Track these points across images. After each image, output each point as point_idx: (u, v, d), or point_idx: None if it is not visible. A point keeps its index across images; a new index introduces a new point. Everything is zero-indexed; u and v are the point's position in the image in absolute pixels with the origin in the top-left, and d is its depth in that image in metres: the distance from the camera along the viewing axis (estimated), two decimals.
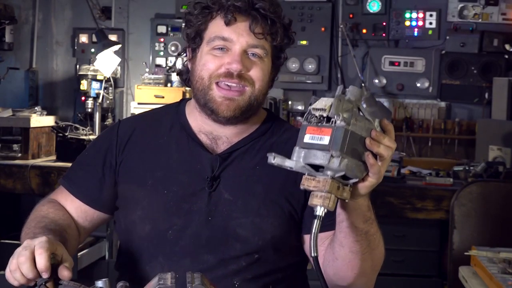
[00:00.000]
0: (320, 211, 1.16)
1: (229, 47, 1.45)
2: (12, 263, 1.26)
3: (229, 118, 1.47)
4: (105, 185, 1.55)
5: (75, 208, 1.56)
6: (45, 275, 1.21)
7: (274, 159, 1.18)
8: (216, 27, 1.46)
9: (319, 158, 1.14)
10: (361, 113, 1.18)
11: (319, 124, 1.15)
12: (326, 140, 1.13)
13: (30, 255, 1.23)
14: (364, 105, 1.19)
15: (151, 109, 1.67)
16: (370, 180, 1.19)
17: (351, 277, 1.38)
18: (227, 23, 1.44)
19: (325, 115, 1.15)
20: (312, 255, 1.15)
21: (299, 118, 4.23)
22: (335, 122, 1.13)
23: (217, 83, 1.46)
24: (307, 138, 1.15)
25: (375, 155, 1.17)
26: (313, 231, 1.16)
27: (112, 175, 1.55)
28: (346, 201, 1.20)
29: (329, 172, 1.14)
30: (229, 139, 1.52)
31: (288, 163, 1.17)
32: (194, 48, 1.51)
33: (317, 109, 1.16)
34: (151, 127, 1.58)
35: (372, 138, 1.16)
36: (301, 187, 1.17)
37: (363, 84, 3.99)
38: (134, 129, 1.58)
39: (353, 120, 1.14)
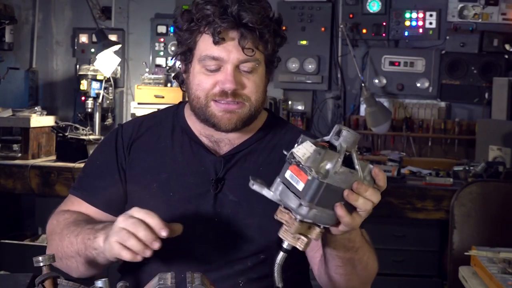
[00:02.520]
0: (286, 245, 1.20)
1: (220, 65, 1.44)
2: (121, 233, 1.24)
3: (231, 130, 1.48)
4: (121, 190, 1.55)
5: (91, 214, 1.55)
6: (164, 233, 1.22)
7: (253, 186, 1.20)
8: (205, 45, 1.44)
9: (291, 201, 1.15)
10: (354, 160, 1.15)
11: (300, 166, 1.14)
12: (300, 186, 1.13)
13: (140, 221, 1.24)
14: (355, 154, 1.15)
15: (150, 113, 1.67)
16: (342, 227, 1.19)
17: None
18: (215, 43, 1.42)
19: (302, 164, 1.13)
20: (276, 286, 1.21)
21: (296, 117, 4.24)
22: (311, 173, 1.12)
23: (214, 100, 1.46)
24: (287, 175, 1.16)
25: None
26: (277, 262, 1.21)
27: (124, 179, 1.55)
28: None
29: (298, 216, 1.16)
30: (231, 141, 1.53)
31: (266, 192, 1.19)
32: (186, 63, 1.51)
33: (297, 155, 1.14)
34: (152, 131, 1.58)
35: (352, 190, 1.14)
36: (275, 217, 1.20)
37: (363, 84, 3.98)
38: (137, 133, 1.58)
39: (333, 172, 1.12)
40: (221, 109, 1.45)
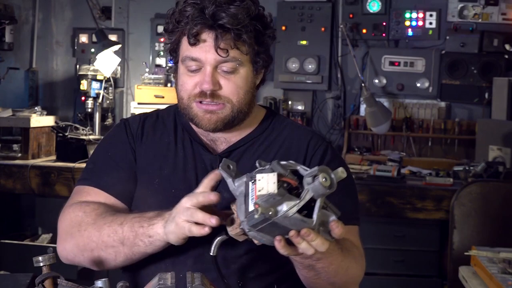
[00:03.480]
0: (229, 231, 1.26)
1: (201, 66, 1.45)
2: (189, 211, 1.28)
3: (213, 130, 1.50)
4: (135, 182, 1.55)
5: (111, 204, 1.52)
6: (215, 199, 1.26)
7: (220, 170, 1.24)
8: (186, 46, 1.47)
9: (241, 211, 1.16)
10: (315, 209, 1.12)
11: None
12: (251, 207, 1.13)
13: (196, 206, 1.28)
14: (322, 202, 1.12)
15: (152, 111, 1.68)
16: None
17: None
18: (191, 44, 1.44)
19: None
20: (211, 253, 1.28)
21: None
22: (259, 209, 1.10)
23: (196, 101, 1.48)
24: (250, 187, 1.16)
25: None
26: (217, 238, 1.28)
27: (135, 171, 1.56)
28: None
29: (241, 226, 1.18)
30: (227, 139, 1.55)
31: (229, 182, 1.21)
32: (175, 62, 1.53)
33: (256, 185, 1.13)
34: (156, 127, 1.60)
35: (299, 234, 1.15)
36: (231, 205, 1.25)
37: (363, 84, 3.98)
38: (142, 128, 1.60)
39: (283, 216, 1.10)
40: (202, 110, 1.47)
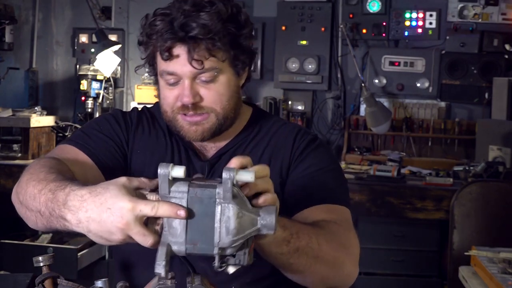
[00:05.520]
0: None
1: (179, 79, 1.42)
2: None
3: (201, 140, 1.47)
4: (120, 162, 1.50)
5: (86, 167, 1.45)
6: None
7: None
8: (161, 61, 1.43)
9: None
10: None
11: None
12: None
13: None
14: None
15: (149, 107, 1.64)
16: None
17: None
18: (165, 60, 1.40)
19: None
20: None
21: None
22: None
23: (179, 113, 1.45)
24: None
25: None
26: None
27: (124, 157, 1.52)
28: None
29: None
30: (216, 144, 1.53)
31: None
32: (154, 75, 1.50)
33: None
34: (151, 126, 1.58)
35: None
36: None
37: (363, 84, 3.98)
38: (137, 123, 1.57)
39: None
40: (187, 122, 1.44)
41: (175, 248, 1.01)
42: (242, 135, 1.55)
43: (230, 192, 0.99)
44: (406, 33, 4.18)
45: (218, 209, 0.99)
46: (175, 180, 1.01)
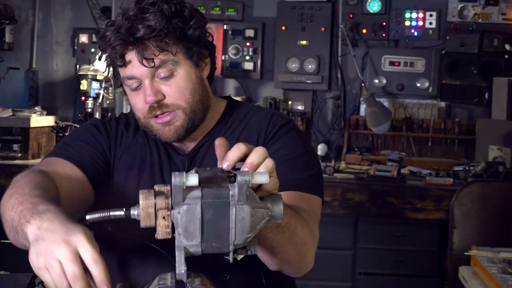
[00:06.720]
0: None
1: (140, 82, 1.46)
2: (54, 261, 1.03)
3: (177, 139, 1.50)
4: (104, 170, 1.53)
5: (74, 179, 1.46)
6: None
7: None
8: (119, 68, 1.47)
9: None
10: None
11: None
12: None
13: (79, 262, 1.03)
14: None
15: (123, 113, 1.68)
16: None
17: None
18: (121, 66, 1.45)
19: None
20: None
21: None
22: None
23: (151, 117, 1.48)
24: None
25: None
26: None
27: (107, 165, 1.54)
28: None
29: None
30: (193, 138, 1.56)
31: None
32: (121, 85, 1.53)
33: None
34: (128, 130, 1.60)
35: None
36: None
37: (363, 84, 3.98)
38: (116, 130, 1.59)
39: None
40: (159, 124, 1.48)
41: (191, 250, 1.03)
42: (218, 127, 1.58)
43: (245, 195, 1.01)
44: (406, 33, 4.18)
45: (233, 210, 1.01)
46: (188, 188, 1.02)
